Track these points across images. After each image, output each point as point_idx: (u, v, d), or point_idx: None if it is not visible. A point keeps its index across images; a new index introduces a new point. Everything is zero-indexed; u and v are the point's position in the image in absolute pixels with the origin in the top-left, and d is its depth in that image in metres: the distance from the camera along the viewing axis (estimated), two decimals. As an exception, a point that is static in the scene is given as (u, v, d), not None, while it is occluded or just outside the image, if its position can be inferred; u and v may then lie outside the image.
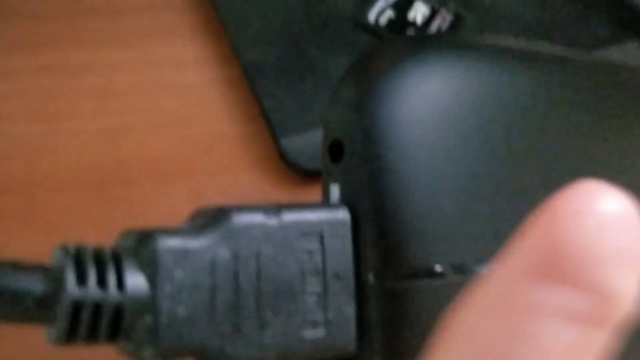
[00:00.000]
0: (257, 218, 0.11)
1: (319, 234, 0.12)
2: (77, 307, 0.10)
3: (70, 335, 0.10)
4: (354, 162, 0.12)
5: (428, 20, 0.23)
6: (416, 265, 0.12)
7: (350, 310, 0.12)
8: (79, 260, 0.10)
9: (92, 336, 0.10)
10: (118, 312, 0.10)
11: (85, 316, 0.10)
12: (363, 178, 0.12)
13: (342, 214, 0.12)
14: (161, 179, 0.20)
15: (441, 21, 0.23)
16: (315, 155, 0.14)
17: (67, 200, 0.19)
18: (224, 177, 0.20)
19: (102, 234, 0.12)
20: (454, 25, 0.23)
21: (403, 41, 0.15)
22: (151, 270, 0.10)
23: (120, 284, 0.10)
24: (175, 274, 0.10)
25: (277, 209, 0.12)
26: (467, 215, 0.12)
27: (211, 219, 0.11)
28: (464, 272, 0.12)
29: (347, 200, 0.12)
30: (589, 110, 0.14)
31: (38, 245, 0.13)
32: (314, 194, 0.18)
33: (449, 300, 0.09)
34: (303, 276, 0.12)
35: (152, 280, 0.10)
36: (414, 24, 0.23)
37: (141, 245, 0.11)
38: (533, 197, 0.09)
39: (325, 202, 0.13)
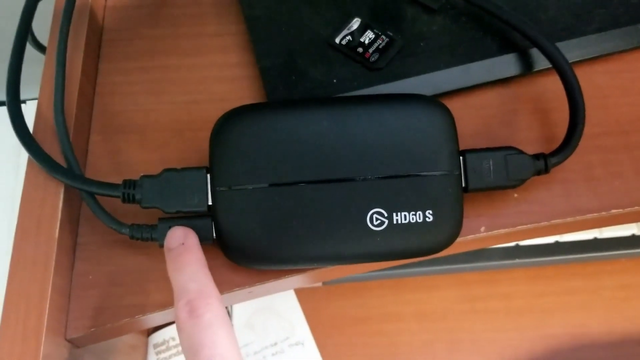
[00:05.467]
0: None
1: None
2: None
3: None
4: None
5: (372, 42, 0.38)
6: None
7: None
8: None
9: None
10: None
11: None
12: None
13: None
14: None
15: (380, 42, 0.38)
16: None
17: (162, 137, 0.37)
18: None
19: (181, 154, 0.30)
20: (388, 44, 0.38)
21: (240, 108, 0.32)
22: None
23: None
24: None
25: None
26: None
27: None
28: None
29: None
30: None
31: (150, 159, 0.31)
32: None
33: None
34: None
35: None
36: (363, 43, 0.38)
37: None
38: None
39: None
